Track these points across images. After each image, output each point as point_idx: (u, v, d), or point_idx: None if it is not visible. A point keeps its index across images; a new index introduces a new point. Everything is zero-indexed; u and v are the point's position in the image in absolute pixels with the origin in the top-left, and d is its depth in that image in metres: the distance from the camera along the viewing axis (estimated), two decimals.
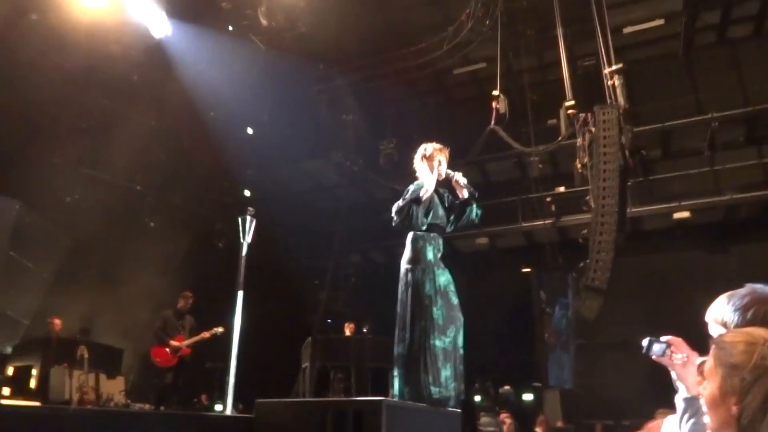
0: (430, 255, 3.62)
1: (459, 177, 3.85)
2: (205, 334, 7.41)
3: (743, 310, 1.46)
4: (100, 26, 8.96)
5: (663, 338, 1.64)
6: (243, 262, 4.20)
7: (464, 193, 3.87)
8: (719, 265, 11.36)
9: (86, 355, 7.54)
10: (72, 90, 9.42)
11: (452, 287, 3.61)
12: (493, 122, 10.75)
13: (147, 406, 7.64)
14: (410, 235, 3.72)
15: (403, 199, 3.72)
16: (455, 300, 3.58)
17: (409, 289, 3.53)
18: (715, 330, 1.53)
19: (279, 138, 12.76)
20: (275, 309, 12.45)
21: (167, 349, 7.27)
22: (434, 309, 3.43)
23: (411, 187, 3.79)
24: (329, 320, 13.12)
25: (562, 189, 13.16)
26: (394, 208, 3.73)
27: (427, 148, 3.93)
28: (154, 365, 7.38)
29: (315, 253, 14.03)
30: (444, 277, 3.59)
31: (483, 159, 13.13)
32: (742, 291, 1.51)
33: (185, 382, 7.58)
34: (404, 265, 3.65)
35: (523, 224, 13.30)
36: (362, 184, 14.42)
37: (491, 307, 12.38)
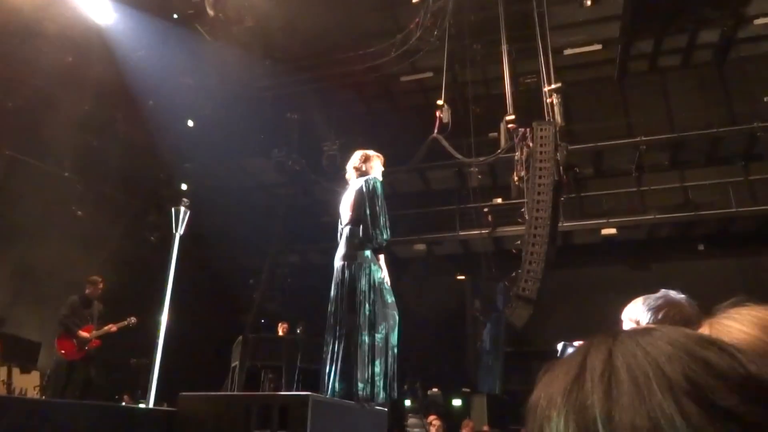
0: (367, 251, 3.65)
1: None
2: (112, 327, 6.90)
3: (656, 310, 1.61)
4: (35, 2, 8.54)
5: (576, 343, 1.76)
6: (174, 254, 4.07)
7: None
8: (641, 280, 11.99)
9: None
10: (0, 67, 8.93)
11: (387, 285, 3.66)
12: (436, 131, 10.96)
13: None
14: (347, 230, 3.75)
15: (382, 222, 3.73)
16: (390, 298, 3.62)
17: (344, 285, 3.55)
18: (627, 328, 1.67)
19: (220, 132, 12.51)
20: (207, 307, 12.17)
21: (74, 341, 6.72)
22: (366, 305, 3.46)
23: (380, 191, 3.79)
24: (263, 320, 12.94)
25: (499, 200, 13.57)
26: (385, 232, 3.72)
27: (369, 153, 4.05)
28: (60, 359, 6.78)
29: (251, 252, 13.81)
30: (379, 274, 3.64)
31: (424, 166, 13.37)
32: (656, 294, 1.66)
33: (97, 377, 6.97)
34: (339, 261, 3.67)
35: (461, 233, 13.61)
36: (303, 184, 14.34)
37: (426, 311, 12.57)
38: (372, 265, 3.61)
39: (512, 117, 10.46)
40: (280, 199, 14.80)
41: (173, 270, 4.04)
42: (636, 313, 1.65)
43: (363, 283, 3.51)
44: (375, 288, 3.54)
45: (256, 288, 13.68)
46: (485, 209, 13.37)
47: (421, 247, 14.01)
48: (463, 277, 14.57)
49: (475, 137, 12.56)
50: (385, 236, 3.69)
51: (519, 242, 10.03)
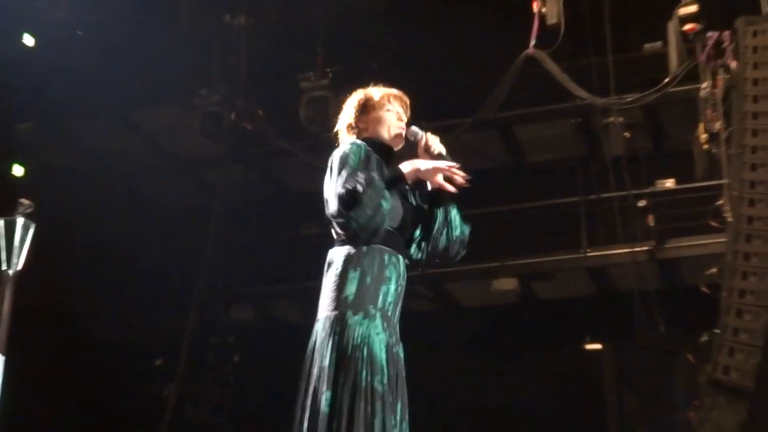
0: (351, 289, 3.69)
1: (433, 142, 3.94)
2: None
3: None
4: None
5: None
6: (6, 305, 4.19)
7: (438, 180, 3.90)
8: None
9: None
10: None
11: (401, 352, 3.71)
12: (532, 43, 10.98)
13: None
14: (343, 251, 3.76)
15: (358, 182, 3.68)
16: (400, 394, 3.66)
17: (335, 353, 3.56)
18: None
19: (92, 60, 12.68)
20: (69, 410, 12.34)
21: None
22: (382, 388, 3.50)
23: (351, 155, 3.79)
24: None
25: (669, 184, 13.48)
26: (344, 202, 3.66)
27: (372, 93, 4.07)
28: None
29: (158, 300, 13.98)
30: (381, 342, 3.63)
31: (510, 116, 13.36)
32: None
33: None
34: (326, 309, 3.69)
35: (591, 252, 13.57)
36: (260, 158, 14.47)
37: (522, 408, 12.63)
38: (390, 315, 3.67)
39: (693, 8, 10.44)
40: (214, 192, 14.94)
41: (3, 336, 4.13)
42: None
43: (377, 349, 3.54)
44: (393, 360, 3.59)
45: (167, 376, 13.83)
46: (640, 203, 13.31)
47: (508, 285, 14.00)
48: (598, 347, 14.55)
49: (614, 54, 12.56)
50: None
51: (715, 270, 9.99)
